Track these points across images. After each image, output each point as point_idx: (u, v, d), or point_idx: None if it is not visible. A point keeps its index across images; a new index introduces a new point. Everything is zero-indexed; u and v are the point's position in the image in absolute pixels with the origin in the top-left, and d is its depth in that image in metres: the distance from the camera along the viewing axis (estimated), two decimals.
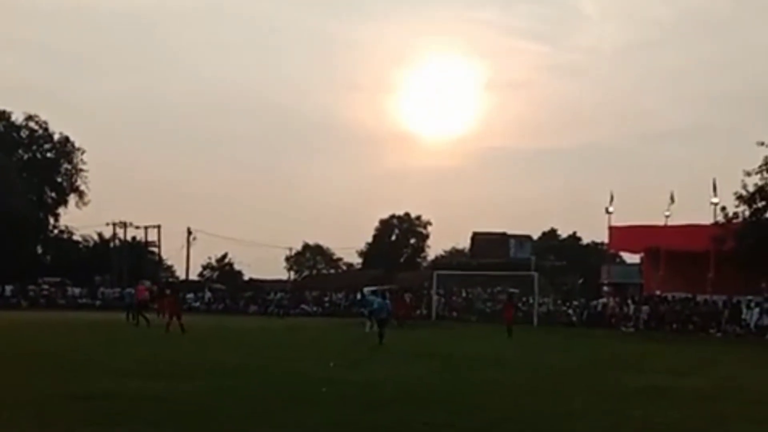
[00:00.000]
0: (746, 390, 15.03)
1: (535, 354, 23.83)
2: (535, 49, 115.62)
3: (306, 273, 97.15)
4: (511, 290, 48.86)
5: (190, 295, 59.16)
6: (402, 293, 44.13)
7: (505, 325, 32.95)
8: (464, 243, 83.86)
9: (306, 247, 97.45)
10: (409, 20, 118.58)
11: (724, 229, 39.35)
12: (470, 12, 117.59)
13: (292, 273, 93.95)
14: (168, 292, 39.66)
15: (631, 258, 64.56)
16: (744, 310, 39.39)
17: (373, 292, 35.57)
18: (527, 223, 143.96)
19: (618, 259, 70.15)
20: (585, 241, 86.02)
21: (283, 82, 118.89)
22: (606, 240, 54.90)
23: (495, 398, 12.88)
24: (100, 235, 76.51)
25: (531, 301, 47.23)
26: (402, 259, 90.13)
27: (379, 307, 28.37)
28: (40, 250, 76.00)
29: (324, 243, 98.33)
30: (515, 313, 38.64)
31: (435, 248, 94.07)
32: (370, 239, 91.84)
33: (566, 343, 30.11)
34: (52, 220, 77.68)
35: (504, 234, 71.70)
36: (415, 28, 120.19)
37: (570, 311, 47.86)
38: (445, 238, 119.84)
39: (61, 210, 77.70)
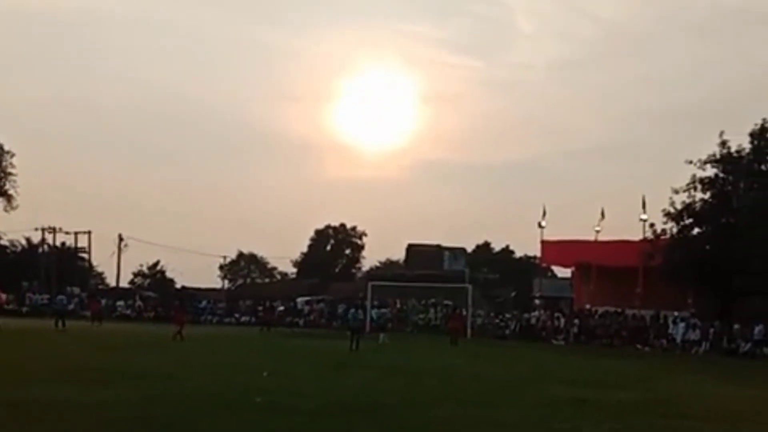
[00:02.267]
0: (673, 403, 15.39)
1: (467, 366, 24.03)
2: (469, 63, 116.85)
3: (240, 282, 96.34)
4: (446, 302, 49.27)
5: (120, 303, 58.19)
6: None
7: (449, 336, 35.05)
8: (399, 254, 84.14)
9: (240, 255, 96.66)
10: (347, 32, 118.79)
11: (653, 245, 40.29)
12: (406, 25, 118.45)
13: (225, 281, 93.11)
14: (177, 302, 44.21)
15: (563, 272, 65.59)
16: (671, 325, 40.33)
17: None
18: (461, 235, 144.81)
19: (550, 273, 71.16)
20: (518, 254, 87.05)
21: (221, 90, 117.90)
22: (538, 254, 55.72)
23: (426, 409, 12.96)
24: (28, 240, 74.76)
25: (465, 313, 47.55)
26: (337, 270, 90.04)
27: (353, 317, 31.99)
28: None
29: (258, 252, 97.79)
30: (464, 324, 39.66)
31: (370, 259, 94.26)
32: (305, 249, 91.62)
33: (498, 356, 30.46)
34: None
35: (438, 246, 72.06)
36: (352, 40, 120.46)
37: (503, 324, 48.36)
38: (380, 250, 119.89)
39: None
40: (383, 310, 32.37)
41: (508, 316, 50.01)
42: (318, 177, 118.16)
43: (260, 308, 52.62)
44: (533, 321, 47.33)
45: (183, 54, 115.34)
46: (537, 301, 55.77)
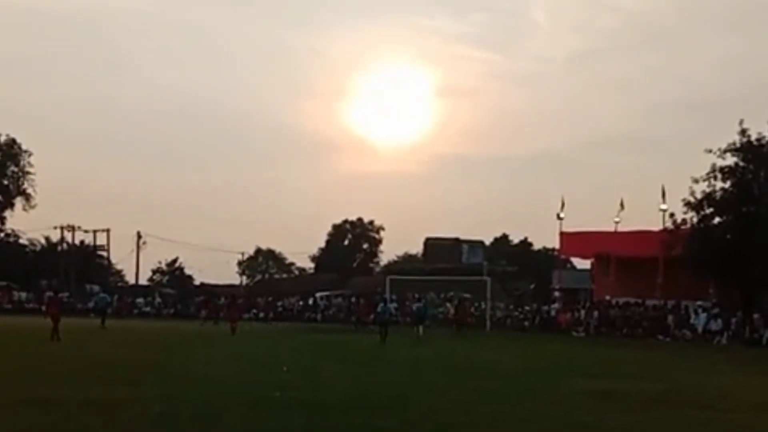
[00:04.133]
0: (695, 394, 15.24)
1: (488, 359, 23.94)
2: (486, 57, 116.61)
3: (258, 278, 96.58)
4: (465, 295, 49.14)
5: (140, 300, 58.51)
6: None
7: (456, 327, 36.59)
8: (417, 248, 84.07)
9: (258, 251, 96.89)
10: (364, 27, 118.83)
11: (673, 235, 39.97)
12: (422, 20, 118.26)
13: (244, 278, 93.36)
14: (222, 300, 47.42)
15: (582, 264, 65.24)
16: (692, 315, 40.03)
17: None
18: (479, 228, 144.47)
19: (569, 265, 70.85)
20: (536, 246, 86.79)
21: (237, 88, 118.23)
22: (557, 246, 55.48)
23: (446, 403, 12.88)
24: (47, 238, 75.36)
25: (483, 306, 47.44)
26: (355, 264, 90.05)
27: (382, 311, 33.87)
28: None
29: (276, 248, 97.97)
30: (471, 317, 39.85)
31: (388, 253, 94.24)
32: (322, 244, 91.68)
33: (518, 348, 30.33)
34: None
35: (457, 239, 71.92)
36: (369, 35, 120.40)
37: (522, 316, 48.19)
38: (397, 244, 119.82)
39: (7, 213, 76.17)
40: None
41: (527, 308, 49.85)
42: (335, 172, 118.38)
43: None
44: (552, 313, 47.13)
45: (199, 53, 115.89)
46: (556, 293, 55.54)
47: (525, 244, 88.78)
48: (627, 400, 13.91)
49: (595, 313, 43.70)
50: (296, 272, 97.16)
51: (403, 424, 10.72)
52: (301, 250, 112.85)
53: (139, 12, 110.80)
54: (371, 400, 12.95)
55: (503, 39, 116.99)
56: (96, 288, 59.37)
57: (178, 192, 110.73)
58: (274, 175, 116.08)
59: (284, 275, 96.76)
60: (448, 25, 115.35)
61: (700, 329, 38.85)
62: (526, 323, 46.68)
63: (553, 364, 22.46)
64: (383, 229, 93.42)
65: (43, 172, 76.04)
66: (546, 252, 78.91)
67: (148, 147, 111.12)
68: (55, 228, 71.66)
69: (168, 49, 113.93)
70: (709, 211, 39.47)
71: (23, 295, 59.24)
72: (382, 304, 34.98)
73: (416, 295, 46.19)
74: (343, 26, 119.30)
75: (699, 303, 40.51)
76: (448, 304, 49.19)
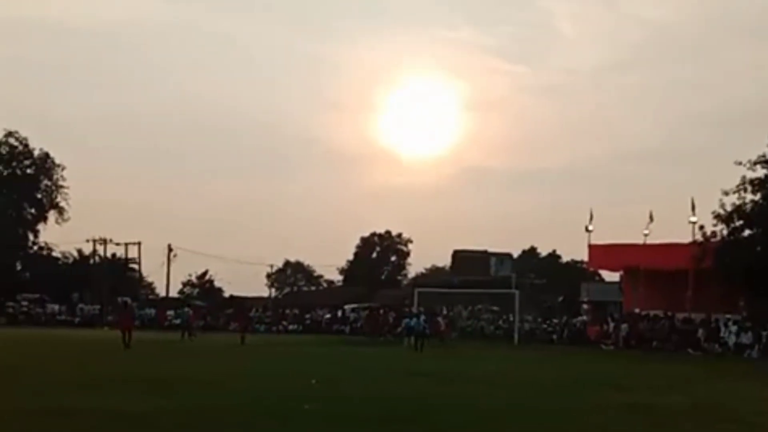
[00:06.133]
0: (725, 408, 15.18)
1: (516, 372, 23.95)
2: (512, 69, 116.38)
3: (287, 290, 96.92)
4: (494, 308, 49.02)
5: (170, 312, 58.92)
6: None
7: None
8: (445, 261, 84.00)
9: (287, 264, 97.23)
10: (391, 40, 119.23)
11: (703, 247, 39.67)
12: (449, 32, 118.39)
13: (272, 290, 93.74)
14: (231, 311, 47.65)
15: (611, 276, 64.88)
16: (722, 329, 39.68)
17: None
18: (507, 241, 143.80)
19: (597, 277, 70.47)
20: (565, 259, 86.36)
21: (265, 101, 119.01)
22: (586, 258, 55.21)
23: (475, 416, 12.94)
24: (79, 251, 76.07)
25: (512, 318, 47.34)
26: (383, 277, 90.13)
27: (416, 324, 36.35)
28: (19, 267, 75.33)
29: (305, 260, 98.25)
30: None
31: (416, 266, 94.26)
32: (351, 257, 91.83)
33: (546, 361, 30.28)
34: (31, 237, 77.01)
35: (485, 252, 71.82)
36: (396, 48, 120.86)
37: (550, 329, 48.02)
38: (425, 256, 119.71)
39: (40, 226, 77.02)
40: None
41: (555, 321, 49.68)
42: (363, 185, 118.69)
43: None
44: (580, 326, 46.92)
45: (229, 66, 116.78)
46: (585, 306, 55.25)
47: (553, 256, 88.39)
48: (657, 413, 13.91)
49: (624, 326, 43.44)
50: (324, 285, 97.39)
51: None
52: (329, 262, 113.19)
53: (170, 24, 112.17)
54: (399, 412, 13.03)
55: (529, 51, 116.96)
56: (127, 300, 59.89)
57: (207, 204, 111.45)
58: (303, 188, 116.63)
59: (313, 288, 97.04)
60: (475, 37, 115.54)
61: (730, 343, 38.51)
62: (555, 336, 46.51)
63: (582, 377, 22.42)
64: (411, 241, 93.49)
65: (75, 186, 77.10)
66: (574, 264, 78.50)
67: (177, 160, 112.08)
68: (88, 241, 72.46)
69: (198, 62, 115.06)
70: (739, 223, 39.15)
71: (56, 307, 59.91)
72: (415, 319, 37.26)
73: (420, 309, 46.43)
74: (370, 39, 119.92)
75: (729, 316, 40.13)
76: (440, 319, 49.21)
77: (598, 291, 60.14)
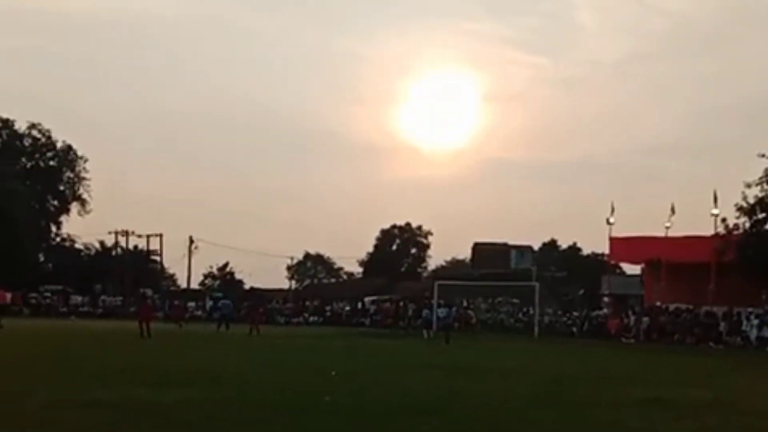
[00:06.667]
0: (748, 401, 15.10)
1: (535, 365, 23.90)
2: (533, 61, 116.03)
3: (307, 282, 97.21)
4: (513, 300, 48.96)
5: (191, 304, 59.29)
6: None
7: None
8: (465, 253, 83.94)
9: (307, 256, 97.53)
10: (411, 33, 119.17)
11: (725, 240, 39.48)
12: (469, 24, 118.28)
13: (293, 282, 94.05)
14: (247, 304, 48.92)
15: (632, 269, 64.65)
16: (744, 322, 39.44)
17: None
18: (528, 233, 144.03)
19: (618, 270, 70.18)
20: (585, 251, 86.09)
21: (286, 93, 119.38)
22: (606, 251, 55.01)
23: (496, 409, 12.94)
24: (102, 243, 76.65)
25: (532, 311, 47.26)
26: (403, 269, 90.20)
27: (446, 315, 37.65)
28: (42, 258, 76.07)
29: (325, 252, 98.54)
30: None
31: (436, 258, 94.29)
32: (371, 249, 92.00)
33: (566, 354, 30.21)
34: (54, 228, 77.79)
35: (505, 244, 71.68)
36: (416, 41, 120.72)
37: (570, 322, 47.90)
38: (445, 249, 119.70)
39: (63, 218, 77.87)
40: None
41: (576, 314, 49.54)
42: (384, 177, 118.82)
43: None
44: (600, 319, 46.77)
45: (250, 59, 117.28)
46: (605, 299, 55.09)
47: (574, 249, 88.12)
48: (678, 407, 13.84)
49: (645, 320, 43.27)
50: (345, 277, 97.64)
51: (451, 428, 10.83)
52: (349, 254, 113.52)
53: (193, 18, 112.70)
54: (419, 405, 13.05)
55: (550, 43, 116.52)
56: (149, 292, 60.36)
57: (228, 197, 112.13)
58: (323, 180, 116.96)
59: (333, 280, 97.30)
60: (495, 29, 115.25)
61: (752, 336, 38.26)
62: (575, 329, 46.41)
63: (602, 370, 22.36)
64: (431, 233, 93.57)
65: (97, 178, 77.72)
66: (595, 257, 78.26)
67: (200, 152, 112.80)
68: (110, 233, 73.06)
69: (221, 55, 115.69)
70: (762, 215, 38.92)
71: (79, 298, 60.43)
72: (445, 310, 38.12)
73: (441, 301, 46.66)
74: (390, 31, 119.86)
75: (751, 309, 39.88)
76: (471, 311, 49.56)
77: (619, 284, 60.03)
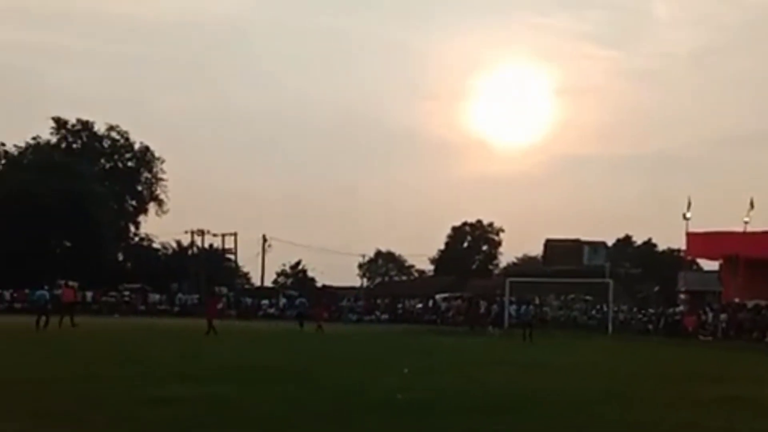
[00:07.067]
0: None
1: (610, 362, 23.62)
2: (607, 54, 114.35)
3: (378, 280, 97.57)
4: (586, 297, 48.38)
5: (265, 302, 60.11)
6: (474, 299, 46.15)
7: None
8: (537, 250, 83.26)
9: (378, 254, 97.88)
10: (482, 28, 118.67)
11: None
12: (541, 18, 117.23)
13: (364, 280, 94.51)
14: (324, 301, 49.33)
15: (709, 265, 63.20)
16: None
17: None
18: (601, 229, 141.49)
19: (695, 267, 68.72)
20: (661, 247, 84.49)
21: (359, 90, 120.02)
22: (683, 247, 53.96)
23: (568, 407, 12.85)
24: (178, 242, 78.18)
25: (605, 308, 46.65)
26: (474, 266, 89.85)
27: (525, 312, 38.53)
28: (121, 257, 77.96)
29: (396, 250, 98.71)
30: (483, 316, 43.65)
31: (507, 255, 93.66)
32: (442, 246, 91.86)
33: (641, 352, 29.76)
34: (132, 228, 79.68)
35: (578, 241, 70.87)
36: (487, 36, 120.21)
37: (646, 319, 47.14)
38: (517, 245, 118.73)
39: (141, 218, 79.71)
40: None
41: (651, 311, 48.74)
42: (455, 174, 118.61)
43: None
44: (678, 316, 45.93)
45: (321, 57, 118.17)
46: (682, 296, 54.04)
47: (649, 245, 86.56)
48: (757, 405, 13.56)
49: (723, 317, 42.33)
50: (416, 274, 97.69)
51: (525, 426, 10.81)
52: (420, 252, 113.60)
53: (261, 18, 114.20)
54: (491, 402, 13.03)
55: (624, 35, 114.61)
56: (224, 290, 61.42)
57: (301, 195, 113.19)
58: (394, 178, 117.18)
59: (404, 277, 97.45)
60: (567, 22, 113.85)
61: None
62: (650, 326, 45.66)
63: (678, 368, 21.97)
64: (503, 230, 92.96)
65: (174, 178, 79.33)
66: (671, 253, 76.80)
67: (273, 151, 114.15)
68: (186, 232, 74.50)
69: (290, 53, 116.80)
70: None
71: (156, 297, 61.77)
72: (524, 306, 38.66)
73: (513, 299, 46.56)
74: (461, 27, 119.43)
75: None
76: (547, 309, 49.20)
77: (696, 280, 58.77)
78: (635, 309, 50.14)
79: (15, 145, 72.92)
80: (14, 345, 24.53)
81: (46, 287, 40.95)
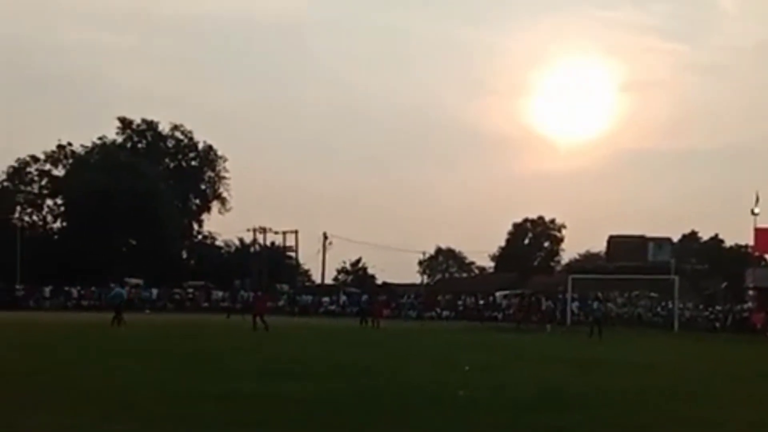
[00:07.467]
0: None
1: (676, 360, 23.19)
2: (672, 48, 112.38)
3: (438, 277, 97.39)
4: (651, 294, 47.64)
5: (326, 299, 60.46)
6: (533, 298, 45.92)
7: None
8: (600, 246, 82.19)
9: (439, 251, 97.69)
10: (543, 23, 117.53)
11: None
12: (605, 12, 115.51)
13: (424, 277, 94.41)
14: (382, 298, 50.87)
15: None
16: None
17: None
18: (666, 225, 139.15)
19: (764, 263, 67.05)
20: (728, 243, 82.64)
21: (419, 87, 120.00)
22: (751, 242, 52.73)
23: (635, 404, 12.65)
24: (241, 240, 79.12)
25: (671, 306, 45.85)
26: (535, 263, 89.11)
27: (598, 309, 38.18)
28: (185, 255, 79.20)
29: (457, 247, 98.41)
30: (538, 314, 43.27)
31: (569, 252, 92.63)
32: (503, 243, 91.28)
33: (708, 350, 29.16)
34: (196, 226, 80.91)
35: (642, 237, 69.75)
36: (549, 31, 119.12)
37: (712, 317, 46.20)
38: (579, 242, 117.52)
39: (204, 216, 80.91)
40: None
41: (718, 308, 47.76)
42: (516, 170, 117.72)
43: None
44: (746, 313, 44.92)
45: (382, 54, 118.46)
46: (750, 293, 52.78)
47: (716, 240, 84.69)
48: None
49: None
50: (476, 271, 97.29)
51: (589, 424, 10.67)
52: (481, 249, 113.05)
53: (321, 16, 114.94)
54: (554, 399, 12.90)
55: (690, 29, 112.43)
56: (285, 287, 61.96)
57: (361, 192, 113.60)
58: (455, 174, 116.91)
59: (464, 274, 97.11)
60: (632, 16, 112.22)
61: None
62: (717, 324, 44.75)
63: (747, 366, 21.50)
64: (565, 227, 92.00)
65: (236, 177, 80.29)
66: (739, 249, 75.02)
67: (333, 149, 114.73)
68: (248, 230, 75.38)
69: (354, 50, 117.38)
70: None
71: (219, 294, 62.61)
72: (597, 303, 38.82)
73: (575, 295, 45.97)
74: (523, 21, 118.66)
75: None
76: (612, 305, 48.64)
77: (765, 277, 57.20)
78: (701, 306, 49.21)
79: (82, 145, 74.75)
80: (91, 342, 25.09)
81: (120, 286, 42.06)
